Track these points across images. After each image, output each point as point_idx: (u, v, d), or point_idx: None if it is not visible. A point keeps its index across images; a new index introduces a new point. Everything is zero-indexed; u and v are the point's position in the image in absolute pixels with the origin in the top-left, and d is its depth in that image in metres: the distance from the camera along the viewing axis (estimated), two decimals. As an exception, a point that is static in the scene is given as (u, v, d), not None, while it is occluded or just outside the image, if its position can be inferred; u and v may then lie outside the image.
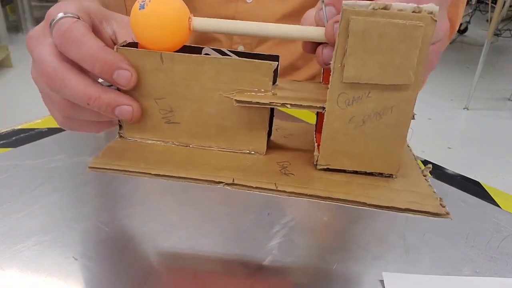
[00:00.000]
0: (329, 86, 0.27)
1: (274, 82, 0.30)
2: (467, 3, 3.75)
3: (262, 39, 0.74)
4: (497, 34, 3.63)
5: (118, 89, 0.31)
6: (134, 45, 0.31)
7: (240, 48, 0.75)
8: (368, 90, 0.27)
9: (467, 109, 2.53)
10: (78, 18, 0.30)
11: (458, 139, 2.26)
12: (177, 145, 0.32)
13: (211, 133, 0.32)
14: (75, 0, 0.34)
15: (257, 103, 0.29)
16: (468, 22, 3.81)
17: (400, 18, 0.25)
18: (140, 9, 0.28)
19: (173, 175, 0.29)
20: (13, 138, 0.52)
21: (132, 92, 0.31)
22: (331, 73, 0.27)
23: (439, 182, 0.50)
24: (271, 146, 0.33)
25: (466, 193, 0.48)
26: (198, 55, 0.29)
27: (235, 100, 0.29)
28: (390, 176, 0.30)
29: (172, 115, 0.31)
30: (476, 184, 0.50)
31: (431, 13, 0.25)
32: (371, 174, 0.30)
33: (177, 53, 0.30)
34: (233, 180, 0.28)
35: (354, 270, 0.37)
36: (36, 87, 0.33)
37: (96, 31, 0.33)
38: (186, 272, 0.35)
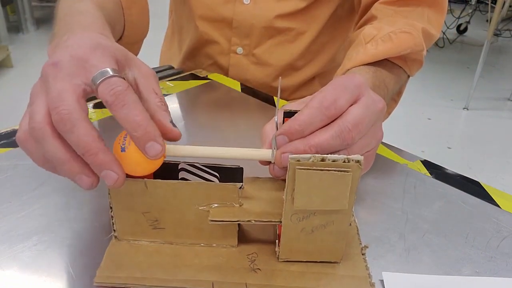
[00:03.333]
0: (283, 210, 0.34)
1: (240, 186, 0.36)
2: (467, 3, 3.75)
3: (260, 42, 0.74)
4: (497, 34, 3.63)
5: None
6: None
7: (239, 50, 0.75)
8: (314, 212, 0.34)
9: (467, 109, 2.53)
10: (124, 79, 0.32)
11: (458, 139, 2.27)
12: (163, 243, 0.38)
13: (192, 234, 0.37)
14: (93, 32, 0.37)
15: (228, 221, 0.35)
16: (468, 22, 3.81)
17: (334, 167, 0.31)
18: (122, 151, 0.33)
19: (164, 284, 0.34)
20: (13, 138, 0.52)
21: (122, 207, 0.36)
22: (284, 202, 0.33)
23: (439, 182, 0.50)
24: (242, 235, 0.38)
25: (466, 193, 0.48)
26: (175, 181, 0.35)
27: (210, 220, 0.35)
28: (335, 262, 0.37)
29: (158, 223, 0.37)
30: (476, 184, 0.50)
31: (358, 161, 0.31)
32: (321, 262, 0.37)
33: (159, 180, 0.35)
34: (212, 285, 0.34)
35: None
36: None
37: None
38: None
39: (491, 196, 0.48)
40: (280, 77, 0.39)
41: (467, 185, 0.50)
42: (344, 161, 0.31)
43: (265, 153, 0.35)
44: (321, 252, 0.36)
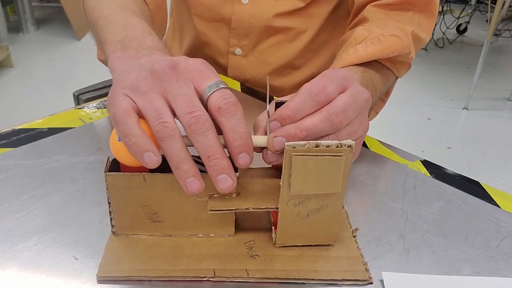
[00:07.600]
0: (280, 195, 0.35)
1: (236, 170, 0.35)
2: (467, 3, 3.75)
3: (259, 41, 0.74)
4: (496, 34, 3.63)
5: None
6: (117, 162, 0.36)
7: (237, 51, 0.75)
8: (309, 197, 0.35)
9: (467, 109, 2.53)
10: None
11: (458, 139, 2.26)
12: (162, 236, 0.38)
13: (190, 225, 0.38)
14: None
15: (227, 210, 0.36)
16: (468, 23, 3.81)
17: (327, 152, 0.33)
18: (119, 140, 0.34)
19: (167, 275, 0.35)
20: (13, 138, 0.52)
21: (121, 201, 0.36)
22: (281, 188, 0.35)
23: (439, 182, 0.50)
24: (238, 224, 0.39)
25: (465, 193, 0.48)
26: (173, 174, 0.34)
27: (209, 210, 0.35)
28: (329, 245, 0.38)
29: (156, 216, 0.37)
30: (476, 184, 0.50)
31: (349, 146, 0.33)
32: (316, 245, 0.38)
33: (157, 173, 0.35)
34: (214, 273, 0.35)
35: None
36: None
37: None
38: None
39: (491, 196, 0.48)
40: (267, 76, 0.42)
41: (467, 185, 0.50)
42: (337, 146, 0.33)
43: (259, 139, 0.36)
44: (316, 236, 0.38)
